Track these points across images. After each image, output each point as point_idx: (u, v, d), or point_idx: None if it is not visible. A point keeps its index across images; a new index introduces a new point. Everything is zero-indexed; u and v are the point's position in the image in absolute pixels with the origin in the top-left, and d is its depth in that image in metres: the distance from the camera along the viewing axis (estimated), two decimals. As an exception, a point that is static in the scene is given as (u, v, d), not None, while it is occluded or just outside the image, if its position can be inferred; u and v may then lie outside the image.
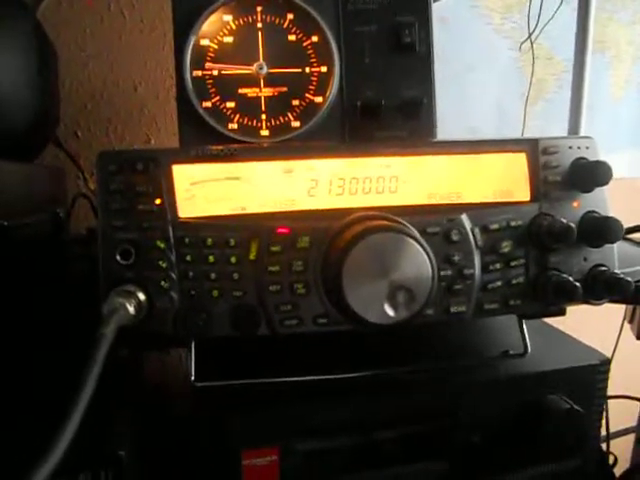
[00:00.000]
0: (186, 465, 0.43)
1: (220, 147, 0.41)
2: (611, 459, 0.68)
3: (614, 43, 1.25)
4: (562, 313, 0.48)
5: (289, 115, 0.54)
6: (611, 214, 0.44)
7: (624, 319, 0.86)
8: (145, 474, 0.40)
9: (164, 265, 0.39)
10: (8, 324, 0.44)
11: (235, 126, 0.53)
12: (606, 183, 0.43)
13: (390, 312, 0.37)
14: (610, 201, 0.45)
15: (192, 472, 0.42)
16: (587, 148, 0.45)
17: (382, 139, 0.53)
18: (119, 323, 0.34)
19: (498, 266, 0.43)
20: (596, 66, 0.99)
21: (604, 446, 0.71)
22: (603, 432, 0.60)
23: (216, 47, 0.53)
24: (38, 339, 0.47)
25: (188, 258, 0.39)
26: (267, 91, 0.53)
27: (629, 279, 0.42)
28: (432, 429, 0.45)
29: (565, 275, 0.43)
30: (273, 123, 0.54)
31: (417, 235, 0.39)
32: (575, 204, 0.44)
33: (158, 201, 0.39)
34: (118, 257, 0.38)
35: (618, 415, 0.75)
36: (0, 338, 0.43)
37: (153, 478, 0.43)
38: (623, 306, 0.84)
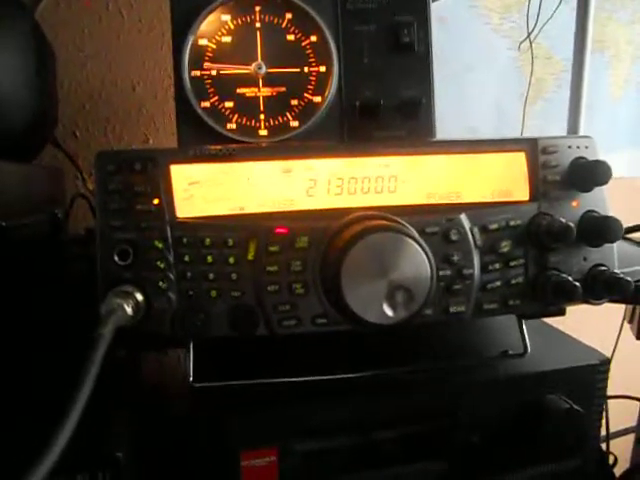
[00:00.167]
0: (184, 466, 0.43)
1: (218, 147, 0.41)
2: (611, 459, 0.68)
3: (613, 42, 1.25)
4: (562, 313, 0.48)
5: (288, 115, 0.54)
6: (611, 213, 0.44)
7: (624, 319, 0.86)
8: (143, 475, 0.40)
9: (162, 265, 0.39)
10: (6, 324, 0.44)
11: (234, 126, 0.53)
12: (605, 182, 0.43)
13: (389, 312, 0.37)
14: (609, 201, 0.45)
15: (190, 473, 0.42)
16: (586, 147, 0.45)
17: (381, 139, 0.53)
18: (117, 324, 0.34)
19: (497, 266, 0.43)
20: (595, 65, 0.99)
21: (604, 446, 0.70)
22: (603, 432, 0.60)
23: (214, 47, 0.52)
24: (36, 339, 0.47)
25: (186, 258, 0.39)
26: (266, 91, 0.53)
27: (629, 279, 0.42)
28: (431, 429, 0.45)
29: (565, 275, 0.43)
30: (272, 123, 0.53)
31: (416, 235, 0.39)
32: (574, 203, 0.44)
33: (156, 201, 0.39)
34: (116, 257, 0.38)
35: (618, 415, 0.75)
36: (-2, 339, 0.43)
37: (151, 479, 0.43)
38: (623, 306, 0.84)
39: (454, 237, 0.41)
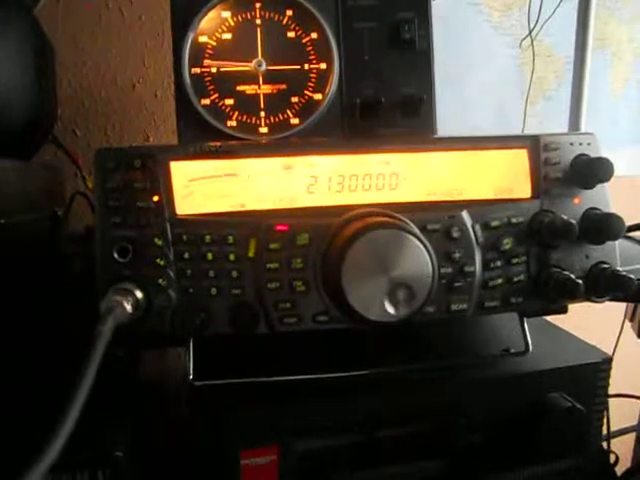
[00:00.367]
0: (184, 465, 0.43)
1: (218, 144, 0.41)
2: (612, 458, 0.68)
3: (615, 40, 1.24)
4: (564, 311, 0.47)
5: (288, 112, 0.53)
6: (613, 211, 0.43)
7: (625, 317, 0.86)
8: (142, 473, 0.40)
9: (162, 263, 0.38)
10: (6, 322, 0.44)
11: (234, 123, 0.53)
12: (607, 179, 0.43)
13: (390, 309, 0.37)
14: (611, 199, 0.45)
15: (190, 472, 0.42)
16: (588, 144, 0.45)
17: (382, 136, 0.53)
18: (116, 321, 0.34)
19: (499, 263, 0.42)
20: (596, 63, 0.99)
21: (605, 445, 0.70)
22: (604, 431, 0.60)
23: (214, 44, 0.52)
24: (36, 337, 0.47)
25: (186, 256, 0.39)
26: (266, 88, 0.53)
27: (631, 276, 0.42)
28: (433, 428, 0.44)
29: (566, 272, 0.43)
30: (272, 120, 0.53)
31: (417, 232, 0.38)
32: (576, 201, 0.44)
33: (156, 198, 0.39)
34: (115, 255, 0.38)
35: (619, 414, 0.74)
36: (-3, 337, 0.42)
37: (151, 478, 0.43)
38: (623, 304, 0.84)
39: (455, 234, 0.41)
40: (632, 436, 0.90)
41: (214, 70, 0.52)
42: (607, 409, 0.66)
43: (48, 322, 0.48)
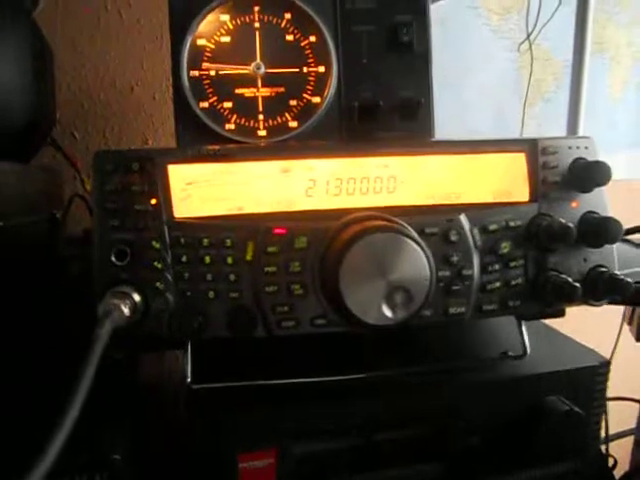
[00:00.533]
0: (182, 468, 0.43)
1: (216, 147, 0.41)
2: (611, 461, 0.68)
3: (613, 44, 1.25)
4: (561, 314, 0.47)
5: (287, 115, 0.53)
6: (611, 214, 0.43)
7: (623, 320, 0.86)
8: (141, 477, 0.40)
9: (159, 266, 0.38)
10: (4, 325, 0.44)
11: (232, 126, 0.53)
12: (605, 183, 0.43)
13: (388, 313, 0.37)
14: (609, 202, 0.45)
15: (188, 475, 0.42)
16: (586, 148, 0.45)
17: (380, 139, 0.53)
18: (114, 324, 0.34)
19: (497, 267, 0.42)
20: (595, 67, 0.99)
21: (603, 448, 0.70)
22: (602, 434, 0.60)
23: (213, 47, 0.52)
24: (34, 339, 0.46)
25: (184, 259, 0.39)
26: (264, 91, 0.53)
27: (629, 280, 0.41)
28: (431, 431, 0.44)
29: (564, 276, 0.43)
30: (271, 123, 0.53)
31: (415, 235, 0.38)
32: (574, 204, 0.44)
33: (154, 201, 0.39)
34: (113, 258, 0.38)
35: (618, 417, 0.74)
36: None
37: (148, 481, 0.43)
38: (622, 308, 0.84)
39: (453, 238, 0.41)
40: (631, 439, 0.90)
41: (213, 73, 0.52)
42: (606, 412, 0.66)
43: (46, 325, 0.48)
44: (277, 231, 0.39)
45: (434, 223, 0.41)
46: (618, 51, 1.25)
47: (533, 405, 0.46)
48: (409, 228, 0.39)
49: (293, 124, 0.53)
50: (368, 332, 0.39)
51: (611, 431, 0.72)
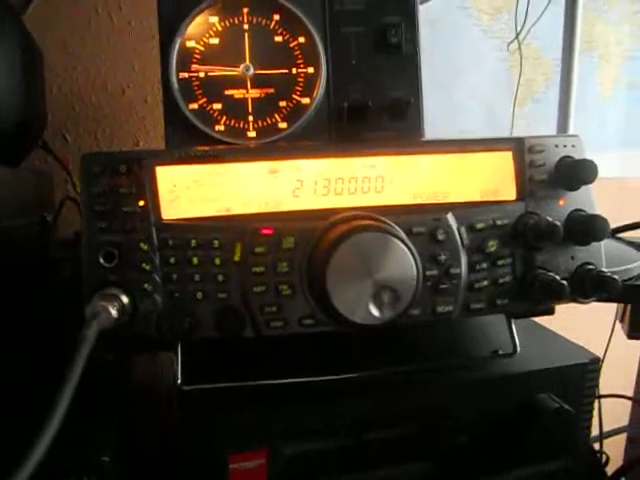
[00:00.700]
0: (173, 469, 0.43)
1: (204, 148, 0.41)
2: (603, 458, 0.68)
3: (602, 43, 1.25)
4: (551, 312, 0.48)
5: (276, 116, 0.53)
6: (598, 212, 0.44)
7: (615, 318, 0.86)
8: (130, 479, 0.40)
9: (147, 267, 0.38)
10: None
11: (222, 128, 0.53)
12: (592, 181, 0.43)
13: (375, 312, 0.37)
14: (599, 201, 0.45)
15: (179, 477, 0.42)
16: (573, 146, 0.45)
17: (369, 140, 0.53)
18: (101, 326, 0.34)
19: (484, 265, 0.43)
20: (585, 66, 1.00)
21: (597, 446, 0.70)
22: (596, 432, 0.60)
23: (202, 49, 0.52)
24: (25, 342, 0.46)
25: (172, 260, 0.39)
26: (254, 92, 0.53)
27: (616, 277, 0.42)
28: (420, 430, 0.44)
29: (552, 274, 0.43)
30: (260, 124, 0.53)
31: (402, 235, 0.38)
32: (561, 202, 0.44)
33: (142, 203, 0.39)
34: (101, 260, 0.38)
35: (612, 414, 0.75)
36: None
37: (138, 483, 0.43)
38: (614, 305, 0.84)
39: (441, 237, 0.41)
40: (623, 437, 0.90)
41: (202, 75, 0.52)
42: (600, 410, 0.66)
43: (37, 327, 0.48)
44: (265, 232, 0.39)
45: (421, 222, 0.41)
46: (607, 50, 1.26)
47: (523, 403, 0.46)
48: (396, 228, 0.39)
49: (283, 125, 0.53)
50: (356, 332, 0.39)
51: (604, 428, 0.73)
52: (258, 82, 0.53)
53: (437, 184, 0.43)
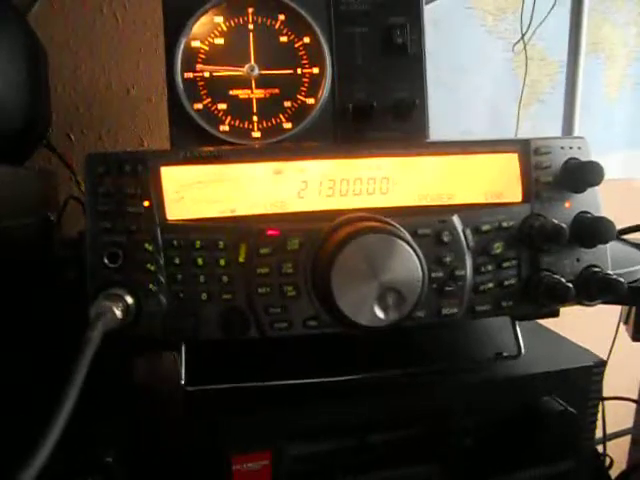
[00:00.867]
0: (176, 470, 0.43)
1: (209, 149, 0.41)
2: (607, 461, 0.68)
3: (608, 44, 1.25)
4: (555, 314, 0.47)
5: (281, 117, 0.53)
6: (604, 214, 0.43)
7: (620, 320, 0.86)
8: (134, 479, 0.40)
9: (152, 268, 0.38)
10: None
11: (227, 128, 0.53)
12: (598, 183, 0.43)
13: (380, 314, 0.37)
14: (605, 202, 0.45)
15: (182, 477, 0.42)
16: (579, 148, 0.45)
17: (374, 140, 0.53)
18: (106, 327, 0.34)
19: (490, 267, 0.42)
20: (590, 67, 0.99)
21: (600, 448, 0.70)
22: (600, 434, 0.60)
23: (207, 49, 0.52)
24: (30, 341, 0.46)
25: (176, 261, 0.39)
26: (259, 93, 0.53)
27: (622, 280, 0.41)
28: (425, 432, 0.44)
29: (557, 276, 0.43)
30: (265, 125, 0.53)
31: (407, 236, 0.38)
32: (567, 204, 0.44)
33: (146, 203, 0.39)
34: (106, 260, 0.38)
35: (615, 416, 0.74)
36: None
37: (142, 484, 0.43)
38: (619, 307, 0.84)
39: (446, 239, 0.41)
40: (627, 439, 0.90)
41: (207, 75, 0.52)
42: (603, 412, 0.66)
43: (40, 327, 0.48)
44: (270, 233, 0.39)
45: (427, 224, 0.41)
46: (613, 51, 1.25)
47: (528, 405, 0.46)
48: (402, 229, 0.39)
49: (287, 125, 0.53)
50: (360, 333, 0.39)
51: (608, 431, 0.73)
52: (263, 82, 0.53)
53: (443, 186, 0.43)
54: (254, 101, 0.53)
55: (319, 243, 0.39)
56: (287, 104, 0.53)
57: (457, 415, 0.45)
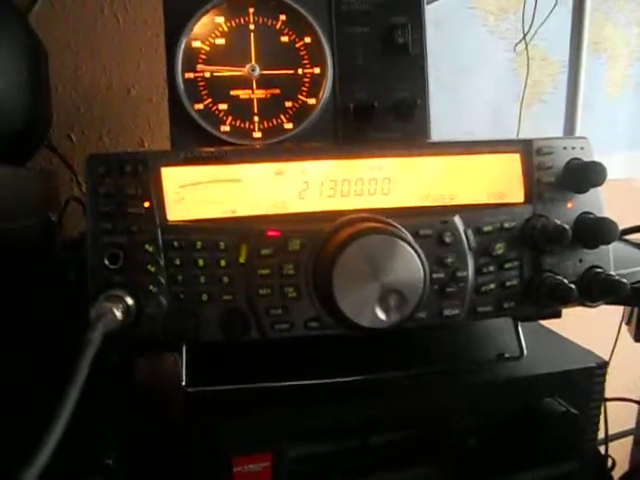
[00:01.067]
0: (177, 472, 0.43)
1: (210, 149, 0.41)
2: (609, 462, 0.68)
3: (610, 44, 1.24)
4: (557, 315, 0.47)
5: (282, 117, 0.53)
6: (606, 215, 0.43)
7: (622, 321, 0.86)
8: (134, 481, 0.40)
9: (153, 269, 0.38)
10: (0, 327, 0.44)
11: (227, 128, 0.53)
12: (601, 184, 0.43)
13: (382, 315, 0.37)
14: (607, 202, 0.45)
15: (183, 479, 0.42)
16: (582, 149, 0.44)
17: (375, 141, 0.53)
18: (106, 328, 0.34)
19: (492, 268, 0.42)
20: (592, 67, 0.99)
21: (603, 449, 0.70)
22: (602, 435, 0.59)
23: (208, 49, 0.52)
24: (31, 342, 0.46)
25: (177, 262, 0.39)
26: (260, 93, 0.53)
27: (624, 280, 0.41)
28: (427, 433, 0.44)
29: (560, 277, 0.42)
30: (266, 125, 0.53)
31: (408, 237, 0.38)
32: (569, 205, 0.44)
33: (147, 204, 0.39)
34: (106, 261, 0.38)
35: (617, 417, 0.74)
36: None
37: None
38: (621, 308, 0.84)
39: (448, 239, 0.41)
40: (629, 440, 0.90)
41: (208, 75, 0.52)
42: (605, 413, 0.65)
43: (41, 328, 0.48)
44: (271, 233, 0.39)
45: (428, 225, 0.41)
46: (615, 51, 1.25)
47: (530, 407, 0.46)
48: (403, 230, 0.39)
49: (288, 126, 0.53)
50: (362, 335, 0.39)
51: (610, 432, 0.72)
52: (264, 82, 0.53)
53: (444, 186, 0.43)
54: (255, 101, 0.53)
55: (320, 244, 0.39)
56: (288, 104, 0.53)
57: (459, 416, 0.44)
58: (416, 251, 0.37)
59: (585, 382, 0.48)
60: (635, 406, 0.86)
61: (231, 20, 0.53)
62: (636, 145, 1.32)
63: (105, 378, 0.39)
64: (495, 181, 0.44)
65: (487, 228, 0.42)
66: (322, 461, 0.43)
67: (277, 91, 0.53)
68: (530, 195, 0.44)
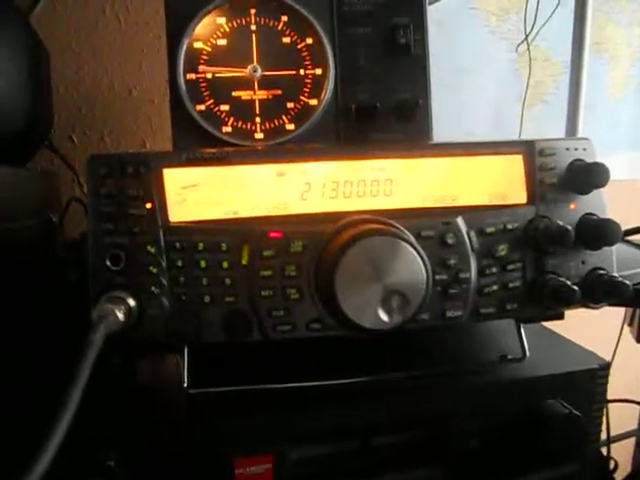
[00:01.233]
0: (178, 474, 0.43)
1: (212, 150, 0.41)
2: (612, 464, 0.67)
3: (612, 44, 1.24)
4: (560, 317, 0.47)
5: (284, 118, 0.53)
6: (609, 216, 0.43)
7: (624, 322, 0.86)
8: (136, 483, 0.40)
9: (155, 270, 0.38)
10: (1, 327, 0.44)
11: (229, 129, 0.52)
12: (603, 185, 0.43)
13: (384, 317, 0.37)
14: (610, 203, 0.44)
15: (184, 480, 0.41)
16: (584, 150, 0.44)
17: (377, 142, 0.53)
18: (108, 329, 0.33)
19: (494, 270, 0.42)
20: (594, 67, 0.99)
21: (605, 450, 0.70)
22: (604, 436, 0.59)
23: (210, 50, 0.52)
24: (32, 343, 0.46)
25: (179, 263, 0.38)
26: (261, 94, 0.53)
27: (627, 282, 0.41)
28: (429, 435, 0.44)
29: (563, 279, 0.42)
30: (268, 126, 0.53)
31: (411, 239, 0.38)
32: (572, 206, 0.44)
33: (149, 205, 0.39)
34: (108, 262, 0.38)
35: (620, 419, 0.74)
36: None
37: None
38: (623, 309, 0.84)
39: (450, 241, 0.41)
40: (632, 441, 0.90)
41: (209, 76, 0.52)
42: (607, 414, 0.65)
43: (42, 329, 0.47)
44: (273, 235, 0.39)
45: (431, 226, 0.41)
46: (617, 51, 1.25)
47: (532, 408, 0.45)
48: (405, 231, 0.39)
49: (290, 127, 0.53)
50: (364, 336, 0.39)
51: (612, 433, 0.72)
52: (265, 83, 0.53)
53: (446, 187, 0.43)
54: (257, 102, 0.53)
55: (322, 245, 0.39)
56: (290, 105, 0.53)
57: (461, 418, 0.44)
58: (418, 252, 0.37)
59: (587, 384, 0.48)
60: (637, 407, 0.85)
61: (233, 21, 0.52)
62: (638, 146, 1.32)
63: (107, 380, 0.39)
64: (497, 182, 0.44)
65: (490, 229, 0.42)
66: (324, 463, 0.42)
67: (279, 92, 0.53)
68: (533, 196, 0.43)
